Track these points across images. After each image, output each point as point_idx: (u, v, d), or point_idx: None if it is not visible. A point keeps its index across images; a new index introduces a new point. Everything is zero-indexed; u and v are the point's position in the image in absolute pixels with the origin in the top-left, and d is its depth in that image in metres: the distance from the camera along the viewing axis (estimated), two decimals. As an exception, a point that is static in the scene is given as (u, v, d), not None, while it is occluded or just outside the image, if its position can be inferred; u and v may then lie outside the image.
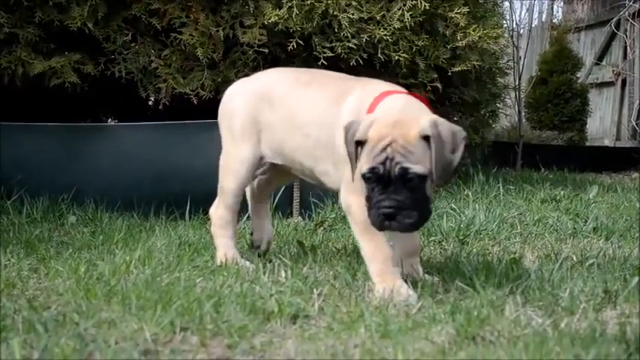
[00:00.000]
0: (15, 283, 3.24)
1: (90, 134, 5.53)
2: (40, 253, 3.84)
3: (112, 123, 6.63)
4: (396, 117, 3.00)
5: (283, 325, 2.74)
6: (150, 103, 6.93)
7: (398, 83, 6.09)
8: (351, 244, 4.25)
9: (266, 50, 5.73)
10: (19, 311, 2.76)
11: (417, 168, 2.89)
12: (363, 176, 2.98)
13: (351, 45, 5.80)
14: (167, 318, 2.63)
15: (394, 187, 2.91)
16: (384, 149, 2.92)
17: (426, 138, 2.90)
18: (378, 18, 5.91)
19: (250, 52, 5.74)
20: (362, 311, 2.82)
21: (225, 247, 3.68)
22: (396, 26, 5.90)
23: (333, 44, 5.81)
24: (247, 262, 3.63)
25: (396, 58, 5.97)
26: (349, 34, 5.78)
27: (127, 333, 2.54)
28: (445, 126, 2.95)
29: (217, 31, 5.67)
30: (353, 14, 5.78)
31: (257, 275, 3.38)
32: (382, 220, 2.95)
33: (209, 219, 4.87)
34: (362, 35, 5.84)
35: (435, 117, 3.00)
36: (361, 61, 5.85)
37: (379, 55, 5.93)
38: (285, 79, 3.58)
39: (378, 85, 3.30)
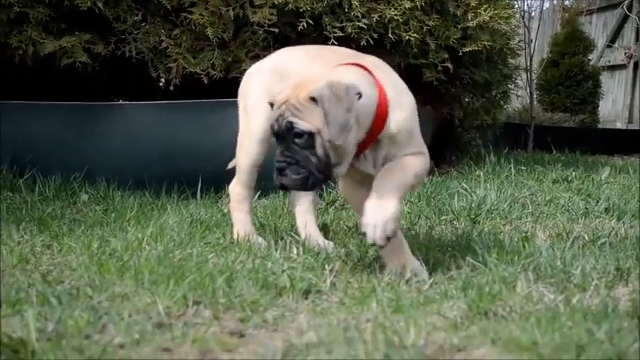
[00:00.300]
0: (28, 258, 3.26)
1: (101, 113, 5.53)
2: (52, 230, 3.85)
3: (123, 102, 6.62)
4: (303, 79, 3.07)
5: (295, 300, 2.75)
6: (160, 83, 6.93)
7: (409, 64, 6.16)
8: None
9: (276, 30, 5.71)
10: (33, 285, 2.77)
11: (302, 124, 2.93)
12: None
13: (361, 25, 5.78)
14: (180, 292, 2.64)
15: (286, 144, 2.98)
16: (280, 107, 3.00)
17: (314, 99, 2.94)
18: (388, -3, 5.89)
19: (260, 32, 5.72)
20: (374, 287, 2.82)
21: (240, 222, 3.71)
22: (406, 6, 5.89)
23: (344, 24, 5.80)
24: (260, 239, 3.65)
25: (407, 38, 5.95)
26: (359, 14, 5.77)
27: (140, 306, 2.56)
28: (340, 86, 2.94)
29: (227, 10, 5.65)
30: (363, -7, 5.77)
31: (269, 252, 3.39)
32: (276, 175, 3.01)
33: (220, 197, 4.93)
34: (372, 15, 5.82)
35: (336, 79, 2.98)
36: (371, 41, 5.83)
37: (389, 35, 5.92)
38: (297, 55, 3.60)
39: (351, 59, 3.27)
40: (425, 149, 3.20)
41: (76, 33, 5.72)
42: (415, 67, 6.27)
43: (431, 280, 2.99)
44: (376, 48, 5.92)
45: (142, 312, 2.51)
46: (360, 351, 2.15)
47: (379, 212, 2.97)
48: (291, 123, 2.94)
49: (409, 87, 6.00)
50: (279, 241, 3.58)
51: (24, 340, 2.14)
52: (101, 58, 5.81)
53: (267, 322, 2.49)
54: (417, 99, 6.32)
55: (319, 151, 2.94)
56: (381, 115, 3.06)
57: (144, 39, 5.75)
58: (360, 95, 2.95)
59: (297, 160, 2.95)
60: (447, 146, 7.47)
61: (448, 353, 2.23)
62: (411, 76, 6.26)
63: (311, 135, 2.93)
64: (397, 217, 3.00)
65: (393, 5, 5.86)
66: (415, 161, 3.12)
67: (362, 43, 5.76)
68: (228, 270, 2.96)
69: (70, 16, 5.71)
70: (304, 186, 3.01)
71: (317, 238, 3.71)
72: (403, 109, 3.12)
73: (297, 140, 2.95)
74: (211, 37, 5.61)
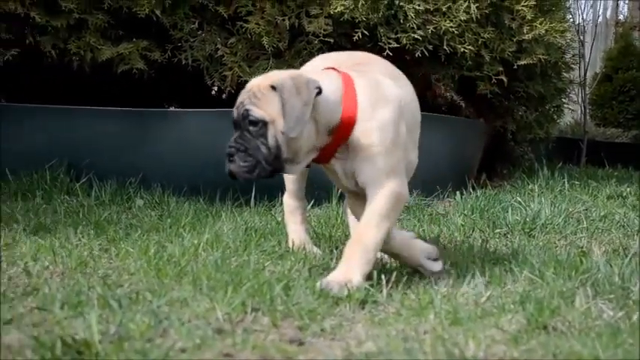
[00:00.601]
0: (87, 261, 3.29)
1: (157, 120, 5.60)
2: (109, 234, 3.89)
3: (178, 109, 6.67)
4: (273, 71, 3.14)
5: (352, 309, 2.75)
6: (213, 91, 6.96)
7: (462, 76, 6.15)
8: (416, 233, 4.24)
9: (331, 40, 5.72)
10: (93, 288, 2.81)
11: (257, 112, 2.94)
12: None
13: (416, 36, 5.78)
14: (238, 298, 2.65)
15: (240, 132, 2.99)
16: (242, 96, 3.02)
17: (274, 88, 2.95)
18: (443, 9, 5.88)
19: (316, 42, 5.74)
20: (431, 298, 2.81)
21: (294, 232, 3.72)
22: (461, 18, 5.87)
23: (399, 35, 5.79)
24: (315, 248, 3.66)
25: (462, 50, 5.94)
26: (415, 25, 5.76)
27: (199, 312, 2.57)
28: (301, 79, 2.96)
29: (283, 20, 5.68)
30: (419, 5, 5.75)
31: (324, 261, 3.39)
32: (226, 161, 3.01)
33: (273, 205, 4.95)
34: (427, 27, 5.81)
35: (300, 72, 3.06)
36: (426, 53, 5.82)
37: (444, 47, 5.90)
38: (329, 59, 3.55)
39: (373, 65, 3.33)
40: (398, 179, 3.10)
41: (134, 40, 5.79)
42: (469, 80, 6.25)
43: (488, 294, 2.96)
44: (431, 60, 5.93)
45: (201, 317, 2.53)
46: (420, 362, 2.15)
47: (343, 282, 2.92)
48: (247, 110, 2.96)
49: (462, 99, 6.05)
50: (334, 251, 3.58)
51: (88, 341, 2.17)
52: (157, 65, 5.86)
53: (325, 330, 2.49)
54: (470, 111, 6.37)
55: (271, 141, 2.95)
56: (346, 121, 3.03)
57: (200, 47, 5.80)
58: (319, 91, 2.95)
59: (247, 148, 2.96)
60: (498, 159, 7.43)
61: (509, 366, 2.21)
62: (464, 89, 6.27)
63: (265, 124, 2.94)
64: (359, 286, 2.93)
65: (449, 17, 5.85)
66: (373, 226, 3.04)
67: (417, 55, 5.76)
68: (285, 278, 2.97)
69: (128, 23, 5.78)
70: (250, 174, 2.99)
71: None
72: (373, 120, 3.05)
73: (250, 128, 2.96)
74: (267, 46, 5.64)
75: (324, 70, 3.21)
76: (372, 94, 3.09)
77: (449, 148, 6.21)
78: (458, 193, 5.64)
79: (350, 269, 2.98)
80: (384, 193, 3.05)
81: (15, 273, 3.11)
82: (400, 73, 3.49)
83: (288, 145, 2.96)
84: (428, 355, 2.22)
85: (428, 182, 5.64)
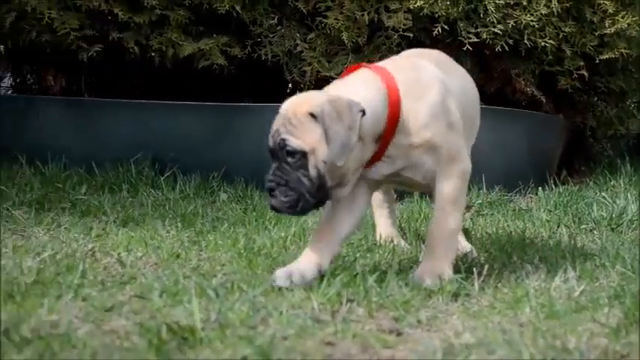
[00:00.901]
0: (179, 253, 3.35)
1: (239, 114, 5.65)
2: (197, 227, 3.95)
3: (260, 104, 6.71)
4: (307, 94, 2.94)
5: (445, 302, 2.75)
6: (288, 89, 6.98)
7: (543, 70, 6.07)
8: (501, 228, 4.22)
9: (410, 35, 5.69)
10: (189, 277, 2.85)
11: (294, 141, 2.76)
12: None
13: (496, 30, 5.72)
14: (333, 289, 2.68)
15: (278, 163, 2.82)
16: (277, 123, 2.84)
17: (313, 115, 2.77)
18: (524, 3, 5.81)
19: (395, 37, 5.72)
20: (525, 291, 2.80)
21: (381, 225, 3.72)
22: (542, 12, 5.80)
23: (479, 30, 5.75)
24: (403, 242, 3.66)
25: (542, 44, 5.86)
26: (495, 20, 5.70)
27: (295, 302, 2.60)
28: (341, 102, 2.78)
29: (362, 15, 5.67)
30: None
31: (413, 254, 3.39)
32: (268, 196, 2.88)
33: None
34: (508, 21, 5.75)
35: (337, 95, 2.84)
36: (506, 47, 5.77)
37: (525, 42, 5.84)
38: (401, 55, 3.51)
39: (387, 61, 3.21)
40: (460, 160, 3.03)
41: (214, 36, 5.84)
42: (549, 74, 6.17)
43: (581, 288, 2.93)
44: (511, 54, 5.87)
45: (297, 307, 2.55)
46: (523, 353, 2.14)
47: (435, 274, 2.92)
48: (284, 140, 2.78)
49: (542, 94, 5.97)
50: (422, 245, 3.57)
51: (192, 327, 2.20)
52: (237, 60, 5.90)
53: (421, 322, 2.50)
54: (549, 107, 6.28)
55: (312, 172, 2.78)
56: (393, 122, 2.90)
57: (279, 42, 5.82)
58: (363, 113, 2.79)
59: (287, 181, 2.80)
60: (577, 156, 7.32)
61: (611, 359, 2.19)
62: (544, 84, 6.19)
63: (304, 154, 2.77)
64: (451, 279, 2.91)
65: (529, 11, 5.78)
66: (448, 213, 3.00)
67: (497, 49, 5.71)
68: (376, 270, 2.98)
69: (209, 18, 5.84)
70: (293, 209, 2.84)
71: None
72: (421, 112, 2.94)
73: (289, 159, 2.79)
74: (346, 41, 5.64)
75: (354, 73, 3.02)
76: (413, 84, 2.97)
77: (529, 144, 6.14)
78: (539, 188, 5.58)
79: (438, 261, 2.97)
80: (452, 179, 2.99)
81: (109, 263, 3.18)
82: (458, 67, 3.44)
83: (332, 172, 2.80)
84: (529, 347, 2.20)
85: (509, 177, 5.59)
